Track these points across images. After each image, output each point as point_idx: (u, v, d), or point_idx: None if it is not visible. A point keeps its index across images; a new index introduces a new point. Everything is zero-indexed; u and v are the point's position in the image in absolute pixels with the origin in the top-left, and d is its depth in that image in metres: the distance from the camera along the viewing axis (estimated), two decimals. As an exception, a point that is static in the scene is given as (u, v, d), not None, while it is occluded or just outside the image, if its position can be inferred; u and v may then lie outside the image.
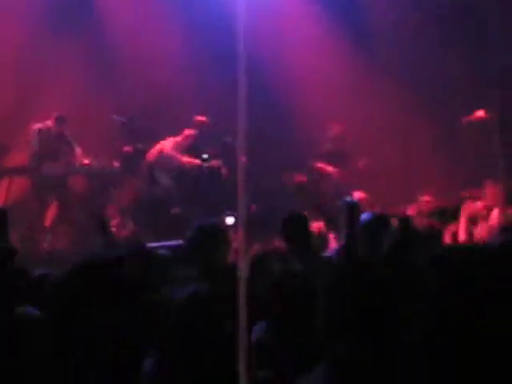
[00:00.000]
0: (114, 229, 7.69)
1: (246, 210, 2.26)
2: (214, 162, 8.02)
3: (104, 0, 9.10)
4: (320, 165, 8.24)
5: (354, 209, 4.57)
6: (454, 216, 7.13)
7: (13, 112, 8.50)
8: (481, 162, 7.95)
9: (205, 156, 7.95)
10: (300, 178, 8.09)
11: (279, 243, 5.75)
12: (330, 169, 8.29)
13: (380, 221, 4.47)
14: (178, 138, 8.27)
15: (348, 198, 5.20)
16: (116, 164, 8.27)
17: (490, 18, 8.40)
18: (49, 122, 8.18)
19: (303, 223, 4.58)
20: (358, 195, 7.46)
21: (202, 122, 8.13)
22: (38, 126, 8.11)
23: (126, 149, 8.22)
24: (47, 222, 7.72)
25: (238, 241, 3.45)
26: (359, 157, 8.30)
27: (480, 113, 8.16)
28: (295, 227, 4.46)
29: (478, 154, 7.94)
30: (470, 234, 6.77)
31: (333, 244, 5.90)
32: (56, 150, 8.17)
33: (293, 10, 8.82)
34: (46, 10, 8.78)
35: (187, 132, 8.28)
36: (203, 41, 8.65)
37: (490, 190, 7.11)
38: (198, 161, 8.04)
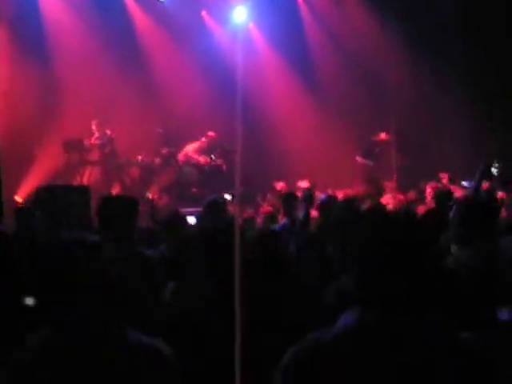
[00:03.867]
0: (155, 200, 10.94)
1: (238, 191, 4.87)
2: (218, 161, 11.06)
3: (151, 49, 11.75)
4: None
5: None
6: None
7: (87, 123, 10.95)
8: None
9: (212, 156, 11.06)
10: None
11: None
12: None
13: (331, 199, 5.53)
14: (196, 144, 11.29)
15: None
16: (157, 160, 11.16)
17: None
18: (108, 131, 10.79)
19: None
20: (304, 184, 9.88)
21: (211, 136, 11.23)
22: (109, 132, 10.76)
23: (164, 151, 11.15)
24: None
25: (234, 209, 5.92)
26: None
27: (383, 135, 11.21)
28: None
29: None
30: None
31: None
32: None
33: (270, 67, 12.17)
34: (110, 52, 10.96)
35: (203, 139, 11.28)
36: (213, 82, 11.38)
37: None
38: (208, 159, 11.12)
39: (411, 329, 1.55)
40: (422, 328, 1.55)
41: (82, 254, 1.79)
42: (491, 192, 6.07)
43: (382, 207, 5.63)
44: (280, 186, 9.38)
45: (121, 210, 3.32)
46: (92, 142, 11.02)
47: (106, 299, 1.79)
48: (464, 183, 6.83)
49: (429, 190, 8.27)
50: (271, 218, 6.54)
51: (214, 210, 5.07)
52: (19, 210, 4.93)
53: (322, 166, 10.75)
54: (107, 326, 1.79)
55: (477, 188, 5.05)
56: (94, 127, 10.97)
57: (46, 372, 1.71)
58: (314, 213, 5.45)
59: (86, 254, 1.79)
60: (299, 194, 5.94)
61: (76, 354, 1.73)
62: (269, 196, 9.46)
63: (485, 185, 5.96)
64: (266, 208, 7.61)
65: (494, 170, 6.19)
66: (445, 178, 9.30)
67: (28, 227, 4.28)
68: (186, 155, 11.19)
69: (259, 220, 6.68)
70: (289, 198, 5.68)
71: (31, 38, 11.05)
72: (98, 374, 1.73)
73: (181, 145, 11.34)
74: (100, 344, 1.75)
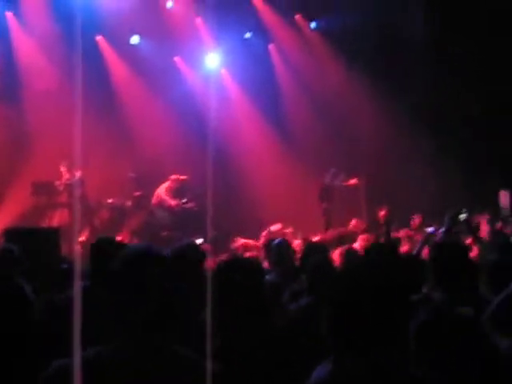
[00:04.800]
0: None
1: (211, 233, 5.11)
2: (190, 204, 11.13)
3: (124, 93, 11.86)
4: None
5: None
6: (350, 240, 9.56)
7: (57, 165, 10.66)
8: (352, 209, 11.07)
9: (184, 200, 11.14)
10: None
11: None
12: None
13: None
14: (167, 184, 11.16)
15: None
16: (128, 203, 11.19)
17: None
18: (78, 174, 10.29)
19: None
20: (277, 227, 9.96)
21: (183, 179, 11.24)
22: (78, 175, 10.29)
23: (136, 193, 11.17)
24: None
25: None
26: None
27: (353, 180, 11.32)
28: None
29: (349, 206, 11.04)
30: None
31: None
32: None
33: (241, 113, 12.41)
34: (83, 95, 11.57)
35: (173, 177, 11.11)
36: (185, 127, 11.53)
37: (357, 225, 10.39)
38: (179, 202, 11.14)
39: (384, 371, 1.59)
40: (391, 368, 1.61)
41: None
42: (458, 236, 6.22)
43: (353, 252, 5.60)
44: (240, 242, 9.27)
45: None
46: (61, 184, 10.96)
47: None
48: (428, 229, 6.98)
49: (402, 235, 8.42)
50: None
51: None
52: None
53: (294, 213, 10.79)
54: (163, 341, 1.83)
55: (447, 232, 5.14)
56: (62, 169, 10.91)
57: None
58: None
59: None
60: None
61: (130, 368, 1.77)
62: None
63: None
64: (247, 253, 7.50)
65: (461, 217, 6.33)
66: (418, 218, 9.36)
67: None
68: (158, 197, 11.19)
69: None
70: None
71: (2, 77, 11.07)
72: None
73: (153, 189, 11.39)
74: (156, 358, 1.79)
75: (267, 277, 4.47)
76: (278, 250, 4.98)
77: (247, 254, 6.67)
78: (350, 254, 5.31)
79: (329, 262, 3.94)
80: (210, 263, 5.08)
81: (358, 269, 2.01)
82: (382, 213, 9.08)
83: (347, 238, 8.74)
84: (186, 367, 1.80)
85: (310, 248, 4.97)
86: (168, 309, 1.82)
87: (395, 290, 1.70)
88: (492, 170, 11.11)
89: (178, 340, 1.84)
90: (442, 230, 5.47)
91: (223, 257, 7.17)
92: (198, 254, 3.67)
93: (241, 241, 8.69)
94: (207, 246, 5.72)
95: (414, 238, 8.62)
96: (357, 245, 8.03)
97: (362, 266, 2.82)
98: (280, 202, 11.41)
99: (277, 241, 5.21)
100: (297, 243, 7.25)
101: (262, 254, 6.09)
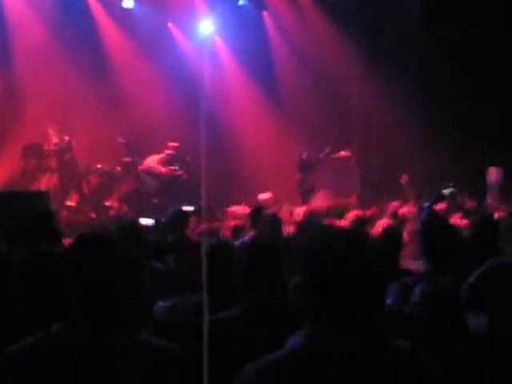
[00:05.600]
0: (114, 210, 10.76)
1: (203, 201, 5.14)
2: (180, 172, 11.05)
3: (116, 57, 11.62)
4: None
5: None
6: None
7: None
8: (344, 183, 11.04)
9: (175, 167, 11.08)
10: None
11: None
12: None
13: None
14: (158, 156, 11.14)
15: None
16: (118, 169, 11.07)
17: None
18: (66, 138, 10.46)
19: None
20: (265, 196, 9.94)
21: (173, 146, 11.19)
22: (67, 138, 10.43)
23: (126, 159, 11.04)
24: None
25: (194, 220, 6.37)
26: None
27: (343, 152, 11.23)
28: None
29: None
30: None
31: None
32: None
33: (234, 79, 12.31)
34: (73, 57, 10.71)
35: (166, 151, 11.16)
36: (177, 93, 11.40)
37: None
38: (169, 170, 11.04)
39: (358, 347, 1.54)
40: (368, 345, 1.55)
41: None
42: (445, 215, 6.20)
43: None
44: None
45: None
46: (50, 147, 10.80)
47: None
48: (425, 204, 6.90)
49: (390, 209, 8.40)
50: (238, 231, 6.47)
51: (178, 221, 5.19)
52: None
53: (282, 180, 10.80)
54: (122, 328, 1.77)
55: (431, 206, 5.17)
56: (50, 132, 10.74)
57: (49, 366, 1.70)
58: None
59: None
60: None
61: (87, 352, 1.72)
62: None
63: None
64: (232, 221, 7.52)
65: (445, 192, 6.32)
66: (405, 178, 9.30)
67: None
68: (148, 165, 11.15)
69: (226, 233, 6.60)
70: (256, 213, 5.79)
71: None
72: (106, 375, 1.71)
73: (142, 155, 11.30)
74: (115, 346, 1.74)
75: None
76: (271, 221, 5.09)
77: (233, 223, 6.65)
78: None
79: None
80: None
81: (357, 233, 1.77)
82: (405, 178, 8.89)
83: (337, 212, 8.43)
84: (146, 354, 1.74)
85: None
86: (120, 298, 1.76)
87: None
88: (483, 146, 11.09)
89: (138, 327, 1.78)
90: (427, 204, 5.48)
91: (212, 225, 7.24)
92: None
93: (233, 208, 8.75)
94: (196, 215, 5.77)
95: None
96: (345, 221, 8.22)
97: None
98: (271, 170, 11.37)
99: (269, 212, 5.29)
100: (298, 212, 7.09)
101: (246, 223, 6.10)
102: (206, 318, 2.03)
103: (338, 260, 1.53)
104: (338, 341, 1.53)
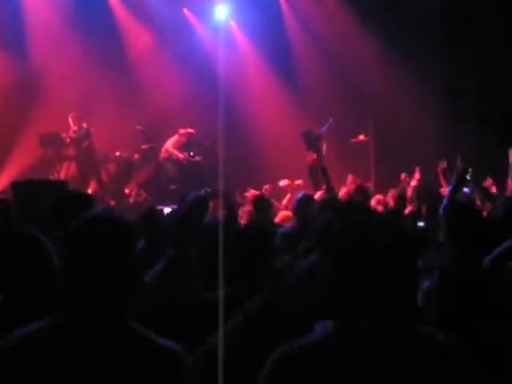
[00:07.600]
0: (133, 197, 10.90)
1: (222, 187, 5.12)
2: (197, 158, 11.08)
3: (133, 45, 11.80)
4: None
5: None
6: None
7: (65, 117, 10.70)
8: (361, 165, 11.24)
9: (191, 153, 11.10)
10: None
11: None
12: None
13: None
14: (175, 137, 11.04)
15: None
16: (136, 156, 11.11)
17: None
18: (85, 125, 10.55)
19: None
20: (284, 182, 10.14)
21: (191, 132, 11.14)
22: (85, 125, 10.58)
23: (144, 146, 11.04)
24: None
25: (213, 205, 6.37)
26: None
27: (361, 136, 11.41)
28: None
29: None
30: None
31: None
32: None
33: (250, 65, 12.24)
34: (91, 46, 10.89)
35: (181, 131, 10.97)
36: (194, 79, 11.42)
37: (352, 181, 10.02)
38: (187, 156, 11.06)
39: (390, 331, 1.54)
40: (400, 329, 1.54)
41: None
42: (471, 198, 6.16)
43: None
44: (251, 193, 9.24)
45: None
46: (69, 135, 10.85)
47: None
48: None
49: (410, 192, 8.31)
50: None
51: (199, 206, 4.97)
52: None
53: (300, 167, 10.73)
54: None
55: (454, 194, 5.09)
56: (70, 120, 10.82)
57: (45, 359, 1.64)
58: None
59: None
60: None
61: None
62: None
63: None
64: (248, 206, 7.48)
65: (467, 176, 6.23)
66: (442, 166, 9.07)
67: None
68: (167, 151, 11.10)
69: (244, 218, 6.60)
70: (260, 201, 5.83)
71: (10, 27, 10.90)
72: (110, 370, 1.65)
73: (161, 142, 11.29)
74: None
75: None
76: (299, 203, 5.00)
77: (247, 208, 6.61)
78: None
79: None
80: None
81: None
82: (443, 166, 8.76)
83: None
84: (138, 343, 1.68)
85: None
86: (121, 280, 1.67)
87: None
88: (505, 132, 10.93)
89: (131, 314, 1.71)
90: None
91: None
92: None
93: (251, 192, 8.72)
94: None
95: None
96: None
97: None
98: (287, 155, 11.31)
99: (300, 195, 5.21)
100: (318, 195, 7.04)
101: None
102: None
103: (375, 250, 1.53)
104: (366, 326, 1.53)
